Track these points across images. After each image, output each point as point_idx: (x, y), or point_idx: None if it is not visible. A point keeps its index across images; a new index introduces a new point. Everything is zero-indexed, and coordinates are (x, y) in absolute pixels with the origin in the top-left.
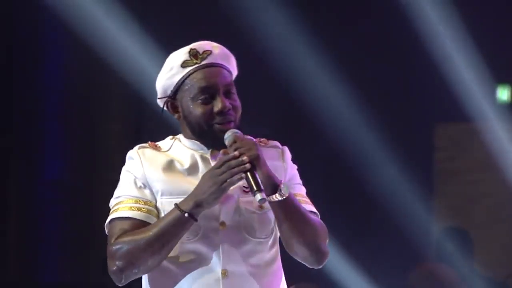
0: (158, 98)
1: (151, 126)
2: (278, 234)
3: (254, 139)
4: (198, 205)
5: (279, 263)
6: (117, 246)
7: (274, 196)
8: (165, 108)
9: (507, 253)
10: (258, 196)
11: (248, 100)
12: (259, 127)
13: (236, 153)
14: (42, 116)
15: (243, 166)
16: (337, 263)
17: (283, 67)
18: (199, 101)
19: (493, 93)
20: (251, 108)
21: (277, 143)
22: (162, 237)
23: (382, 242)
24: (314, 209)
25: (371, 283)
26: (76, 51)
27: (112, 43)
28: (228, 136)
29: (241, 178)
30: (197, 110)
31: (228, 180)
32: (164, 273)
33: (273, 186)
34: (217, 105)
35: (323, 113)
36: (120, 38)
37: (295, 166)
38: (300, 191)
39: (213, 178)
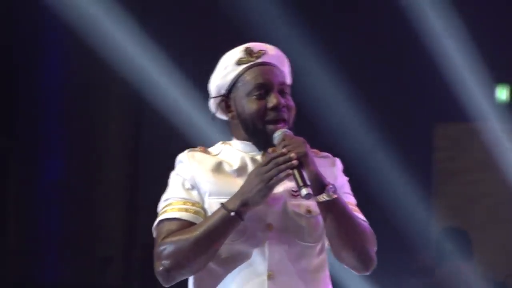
0: (212, 98)
1: (151, 126)
2: (327, 242)
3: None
4: (245, 204)
5: (327, 271)
6: (164, 246)
7: (321, 196)
8: (218, 108)
9: (507, 253)
10: (304, 191)
11: None
12: None
13: (284, 150)
14: (42, 116)
15: (290, 162)
16: (336, 263)
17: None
18: (254, 97)
19: (492, 93)
20: None
21: (329, 155)
22: (209, 236)
23: (381, 242)
24: (364, 218)
25: (371, 283)
26: (76, 51)
27: (112, 43)
28: (277, 135)
29: (288, 175)
30: (251, 106)
31: (275, 177)
32: (211, 275)
33: (321, 186)
34: (271, 101)
35: (323, 113)
36: (120, 38)
37: (346, 178)
38: (350, 200)
39: (260, 175)
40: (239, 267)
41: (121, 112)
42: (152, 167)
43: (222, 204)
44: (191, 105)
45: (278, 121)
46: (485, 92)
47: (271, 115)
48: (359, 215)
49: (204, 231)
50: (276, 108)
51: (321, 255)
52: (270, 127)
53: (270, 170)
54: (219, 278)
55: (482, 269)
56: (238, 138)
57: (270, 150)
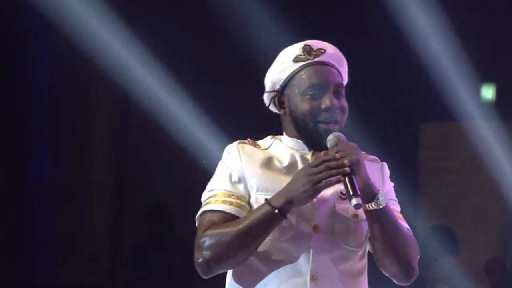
0: (266, 92)
1: (138, 126)
2: (367, 248)
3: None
4: (289, 202)
5: (366, 277)
6: (204, 238)
7: (370, 204)
8: (271, 103)
9: (493, 251)
10: (354, 201)
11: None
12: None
13: (338, 155)
14: (28, 116)
15: (342, 169)
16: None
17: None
18: (308, 96)
19: (478, 92)
20: (240, 106)
21: (377, 158)
22: (251, 231)
23: None
24: (408, 226)
25: None
26: (62, 51)
27: (98, 43)
28: (330, 139)
29: (339, 181)
30: (304, 105)
31: (324, 180)
32: (252, 271)
33: (371, 194)
34: (325, 102)
35: None
36: (106, 38)
37: (392, 183)
38: (395, 207)
39: (309, 176)
40: (282, 266)
41: (108, 111)
42: (139, 166)
43: (266, 200)
44: (179, 105)
45: (330, 122)
46: (471, 91)
47: (323, 116)
48: (404, 223)
49: (246, 226)
50: (329, 109)
51: (363, 260)
52: (322, 126)
53: (320, 172)
54: (260, 275)
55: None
56: (288, 135)
57: (322, 153)
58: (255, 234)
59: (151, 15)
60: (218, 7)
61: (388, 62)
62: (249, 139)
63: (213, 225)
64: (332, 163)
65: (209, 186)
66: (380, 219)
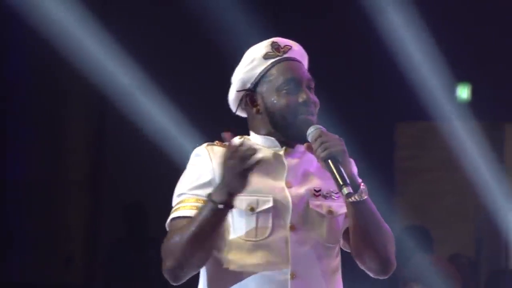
0: (237, 91)
1: (114, 126)
2: (340, 245)
3: None
4: (229, 194)
5: (340, 274)
6: (167, 245)
7: (354, 196)
8: (241, 102)
9: (467, 250)
10: (345, 190)
11: (216, 100)
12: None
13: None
14: (3, 116)
15: (252, 152)
16: None
17: None
18: (284, 91)
19: (453, 92)
20: (216, 106)
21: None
22: (202, 231)
23: None
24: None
25: None
26: (38, 51)
27: (75, 43)
28: (311, 131)
29: (258, 162)
30: (281, 100)
31: (249, 161)
32: (228, 272)
33: (354, 186)
34: (302, 96)
35: None
36: (83, 37)
37: (360, 179)
38: None
39: (231, 169)
40: (261, 266)
41: (84, 112)
42: (115, 166)
43: (209, 197)
44: (155, 105)
45: (307, 114)
46: (446, 91)
47: (302, 110)
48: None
49: (197, 226)
50: (306, 102)
51: (338, 257)
52: (301, 118)
53: (235, 163)
54: (239, 277)
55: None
56: (259, 133)
57: (305, 146)
58: (206, 232)
59: (126, 15)
60: (193, 7)
61: (364, 62)
62: (217, 141)
63: (174, 232)
64: (242, 148)
65: (177, 190)
66: (362, 211)
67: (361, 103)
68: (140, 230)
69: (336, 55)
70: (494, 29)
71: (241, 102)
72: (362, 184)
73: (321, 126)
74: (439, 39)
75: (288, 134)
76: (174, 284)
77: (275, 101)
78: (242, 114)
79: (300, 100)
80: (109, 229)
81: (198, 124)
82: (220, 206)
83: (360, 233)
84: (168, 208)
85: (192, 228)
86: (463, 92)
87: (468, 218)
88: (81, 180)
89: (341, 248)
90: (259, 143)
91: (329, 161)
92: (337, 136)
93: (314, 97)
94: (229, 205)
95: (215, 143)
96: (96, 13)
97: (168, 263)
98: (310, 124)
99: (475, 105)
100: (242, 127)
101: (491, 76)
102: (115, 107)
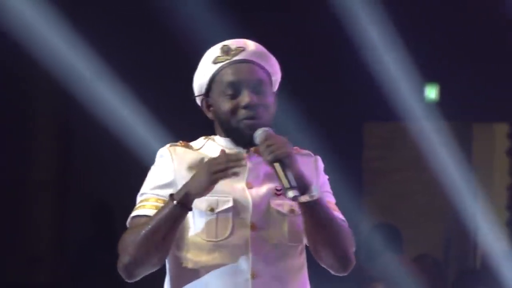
0: (195, 96)
1: (81, 124)
2: (305, 242)
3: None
4: (187, 194)
5: (306, 272)
6: (121, 242)
7: (303, 197)
8: (202, 107)
9: (435, 250)
10: (290, 194)
11: (182, 100)
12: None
13: (240, 154)
14: None
15: (239, 161)
16: None
17: None
18: (227, 96)
19: (421, 92)
20: (183, 105)
21: (310, 152)
22: (158, 228)
23: None
24: (343, 218)
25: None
26: (3, 48)
27: (41, 41)
28: (258, 134)
29: (235, 174)
30: (224, 105)
31: (222, 173)
32: (190, 273)
33: (304, 187)
34: (244, 100)
35: None
36: (48, 34)
37: (327, 176)
38: (329, 199)
39: (207, 168)
40: (222, 266)
41: (50, 110)
42: (83, 165)
43: (171, 195)
44: (123, 103)
45: (251, 118)
46: (414, 91)
47: (244, 114)
48: (339, 215)
49: (153, 224)
50: (248, 106)
51: (302, 255)
52: (244, 123)
53: (218, 164)
54: (200, 277)
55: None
56: (221, 135)
57: (252, 150)
58: (163, 230)
59: (92, 11)
60: (160, 4)
61: (332, 62)
62: (181, 141)
63: (129, 230)
64: (233, 157)
65: (141, 190)
66: (314, 211)
67: (329, 104)
68: (108, 229)
69: (304, 56)
70: (461, 29)
71: (202, 107)
72: (313, 184)
73: (268, 129)
74: (407, 40)
75: (235, 139)
76: (129, 281)
77: (220, 106)
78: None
79: (242, 103)
80: (77, 228)
81: (165, 123)
82: (178, 205)
83: (314, 232)
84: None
85: (149, 226)
86: (431, 92)
87: (437, 218)
88: (48, 180)
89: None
90: (222, 144)
91: (275, 164)
92: (284, 139)
93: (263, 99)
94: (186, 207)
95: (178, 143)
96: (62, 10)
97: (123, 260)
98: (252, 127)
99: (443, 105)
100: (209, 126)
101: (459, 76)
102: (81, 106)
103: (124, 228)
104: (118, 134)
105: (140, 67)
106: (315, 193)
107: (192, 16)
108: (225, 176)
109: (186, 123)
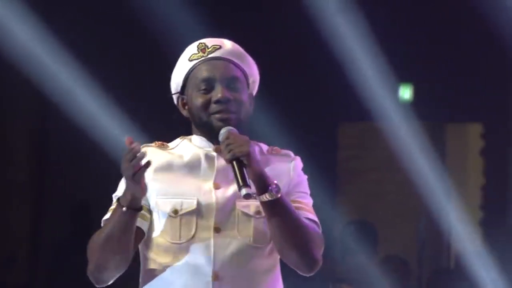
0: (172, 95)
1: (57, 125)
2: None
3: (266, 146)
4: (133, 198)
5: (278, 273)
6: (87, 249)
7: (264, 195)
8: (178, 106)
9: (409, 250)
10: (243, 191)
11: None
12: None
13: (134, 146)
14: None
15: (139, 155)
16: None
17: None
18: (201, 91)
19: (395, 92)
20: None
21: (290, 153)
22: (113, 234)
23: None
24: (315, 218)
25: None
26: None
27: (16, 42)
28: (222, 133)
29: (147, 166)
30: (197, 100)
31: (136, 173)
32: (156, 274)
33: (264, 185)
34: (216, 94)
35: None
36: (24, 36)
37: (305, 176)
38: (303, 199)
39: (124, 173)
40: (185, 267)
41: (26, 111)
42: (58, 166)
43: (117, 201)
44: (99, 104)
45: (222, 113)
46: (388, 91)
47: (215, 108)
48: (311, 215)
49: (107, 230)
50: (220, 101)
51: (272, 256)
52: (215, 117)
53: (126, 168)
54: (165, 278)
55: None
56: (196, 134)
57: (215, 147)
58: (116, 235)
59: (67, 13)
60: (134, 5)
61: (306, 63)
62: (156, 142)
63: (94, 235)
64: (129, 156)
65: (116, 192)
66: (275, 210)
67: (304, 104)
68: (84, 230)
69: (278, 55)
70: (435, 30)
71: (177, 105)
72: (274, 184)
73: (231, 128)
74: (382, 40)
75: (206, 133)
76: (99, 287)
77: (193, 101)
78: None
79: (214, 98)
80: (53, 229)
81: (141, 123)
82: (124, 209)
83: (277, 232)
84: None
85: (104, 232)
86: (405, 92)
87: (411, 217)
88: (24, 180)
89: None
90: (197, 144)
91: (233, 162)
92: (245, 138)
93: (236, 95)
94: (134, 208)
95: (152, 144)
96: (36, 10)
97: (89, 266)
98: (224, 121)
99: (417, 105)
100: (187, 126)
101: (433, 76)
102: (57, 105)
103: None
104: (94, 135)
105: (116, 68)
106: (275, 192)
107: (167, 16)
108: (140, 174)
109: (163, 123)
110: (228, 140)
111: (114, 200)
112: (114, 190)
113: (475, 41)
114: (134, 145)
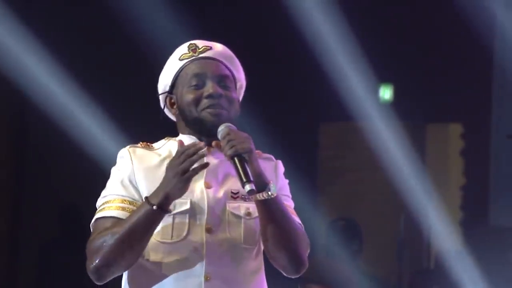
0: (160, 94)
1: (36, 126)
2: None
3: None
4: (166, 197)
5: (263, 275)
6: (92, 245)
7: (261, 194)
8: (165, 106)
9: (388, 250)
10: (248, 187)
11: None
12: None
13: (197, 142)
14: None
15: (201, 153)
16: None
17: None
18: (192, 87)
19: (376, 92)
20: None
21: (271, 156)
22: (134, 231)
23: None
24: (299, 221)
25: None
26: None
27: None
28: (221, 129)
29: (203, 167)
30: (188, 96)
31: (191, 169)
32: (146, 274)
33: (262, 184)
34: (207, 90)
35: None
36: (4, 36)
37: (287, 180)
38: (287, 202)
39: (174, 169)
40: (176, 267)
41: (6, 112)
42: (39, 168)
43: (146, 198)
44: (79, 104)
45: (214, 107)
46: (369, 91)
47: (207, 103)
48: (296, 218)
49: (129, 226)
50: (212, 96)
51: (258, 258)
52: (207, 111)
53: (182, 163)
54: (155, 278)
55: (365, 266)
56: (184, 133)
57: (214, 143)
58: (138, 233)
59: (48, 13)
60: (118, 6)
61: (286, 62)
62: (141, 142)
63: (100, 231)
64: (191, 150)
65: (103, 193)
66: (270, 209)
67: (284, 103)
68: (72, 231)
69: (258, 55)
70: (416, 30)
71: (165, 105)
72: (271, 182)
73: (230, 124)
74: (362, 40)
75: (197, 129)
76: (98, 284)
77: (184, 98)
78: (171, 117)
79: (206, 93)
80: (34, 230)
81: (122, 123)
82: (154, 208)
83: (270, 232)
84: (92, 208)
85: (125, 228)
86: (386, 92)
87: (391, 217)
88: (5, 182)
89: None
90: (185, 143)
91: (235, 158)
92: (245, 134)
93: (227, 93)
94: (164, 209)
95: (138, 144)
96: (17, 10)
97: (94, 262)
98: (215, 115)
99: (398, 105)
100: (167, 128)
101: (413, 77)
102: (37, 106)
103: (85, 229)
104: (75, 135)
105: (97, 68)
106: (273, 191)
107: (150, 16)
108: (196, 173)
109: (144, 124)
110: (230, 136)
111: (106, 198)
112: (94, 190)
113: (455, 41)
114: (197, 142)
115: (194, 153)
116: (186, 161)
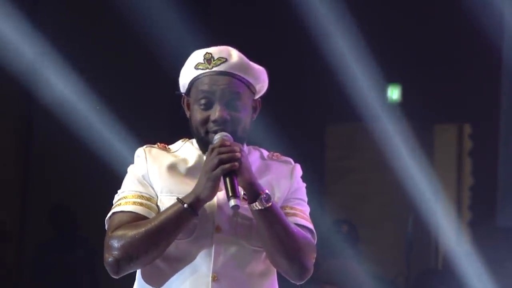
0: (180, 93)
1: (41, 125)
2: None
3: (267, 152)
4: (197, 199)
5: (274, 278)
6: (115, 238)
7: (255, 204)
8: (183, 104)
9: (396, 250)
10: (232, 202)
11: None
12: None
13: (226, 142)
14: None
15: (233, 153)
16: None
17: (175, 68)
18: (200, 106)
19: (384, 92)
20: (148, 108)
21: (290, 160)
22: (162, 229)
23: None
24: (310, 226)
25: None
26: None
27: (2, 40)
28: (216, 139)
29: (233, 166)
30: (196, 114)
31: (219, 168)
32: (158, 271)
33: (254, 194)
34: (214, 114)
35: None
36: (10, 35)
37: (304, 184)
38: (299, 206)
39: (206, 169)
40: (185, 266)
41: (12, 111)
42: (42, 167)
43: (179, 199)
44: (84, 104)
45: (219, 131)
46: (377, 92)
47: (213, 127)
48: (304, 222)
49: (157, 224)
50: (217, 121)
51: (268, 261)
52: (212, 136)
53: (212, 160)
54: (165, 276)
55: (371, 266)
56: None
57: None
58: (166, 232)
59: (57, 13)
60: (127, 8)
61: (294, 62)
62: (159, 143)
63: (123, 225)
64: (223, 149)
65: (121, 188)
66: (266, 218)
67: (292, 104)
68: (68, 230)
69: (267, 56)
70: (424, 31)
71: (183, 104)
72: (265, 193)
73: (226, 134)
74: (370, 41)
75: (202, 148)
76: (114, 277)
77: (193, 113)
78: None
79: (212, 117)
80: (36, 230)
81: (126, 125)
82: (186, 206)
83: (268, 240)
84: (96, 207)
85: (152, 225)
86: (394, 93)
87: (398, 218)
88: (8, 180)
89: None
90: (198, 146)
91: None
92: (237, 146)
93: (234, 113)
94: (195, 210)
95: (156, 145)
96: (26, 11)
97: (115, 255)
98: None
99: (406, 106)
100: (175, 130)
101: (422, 77)
102: (43, 106)
103: (85, 229)
104: (78, 135)
105: (104, 69)
106: (266, 201)
107: (159, 18)
108: (223, 171)
109: (150, 125)
110: (220, 149)
111: (123, 194)
112: (98, 191)
113: (464, 42)
114: (235, 143)
115: (226, 152)
116: (217, 158)
